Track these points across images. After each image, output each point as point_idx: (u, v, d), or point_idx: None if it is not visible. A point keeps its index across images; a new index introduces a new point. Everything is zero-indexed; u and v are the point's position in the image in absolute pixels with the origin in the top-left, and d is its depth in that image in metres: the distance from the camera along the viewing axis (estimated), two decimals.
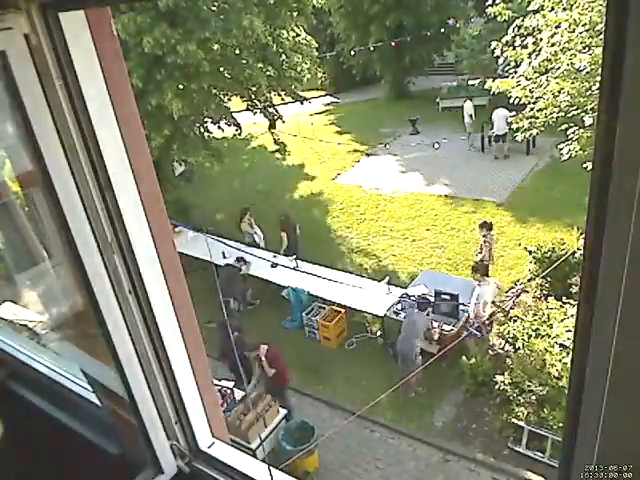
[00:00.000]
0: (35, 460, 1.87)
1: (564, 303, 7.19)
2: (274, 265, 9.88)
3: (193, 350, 1.63)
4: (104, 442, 1.86)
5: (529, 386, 6.24)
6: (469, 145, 15.54)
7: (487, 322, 7.87)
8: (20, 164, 1.70)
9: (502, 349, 7.82)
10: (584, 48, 7.10)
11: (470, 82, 17.99)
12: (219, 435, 1.74)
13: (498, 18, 8.57)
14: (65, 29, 1.17)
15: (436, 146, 15.86)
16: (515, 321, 7.38)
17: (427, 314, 7.70)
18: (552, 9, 7.40)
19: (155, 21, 9.10)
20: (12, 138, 1.56)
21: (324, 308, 9.11)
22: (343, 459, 6.93)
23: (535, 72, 7.85)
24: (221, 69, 10.91)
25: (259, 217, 11.19)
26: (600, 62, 0.64)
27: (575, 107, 7.70)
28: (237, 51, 10.59)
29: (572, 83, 7.48)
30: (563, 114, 7.88)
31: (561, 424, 5.72)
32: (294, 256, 9.97)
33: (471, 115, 15.24)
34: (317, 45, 12.85)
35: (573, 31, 7.11)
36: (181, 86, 9.96)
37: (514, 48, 8.07)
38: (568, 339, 6.40)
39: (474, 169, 14.35)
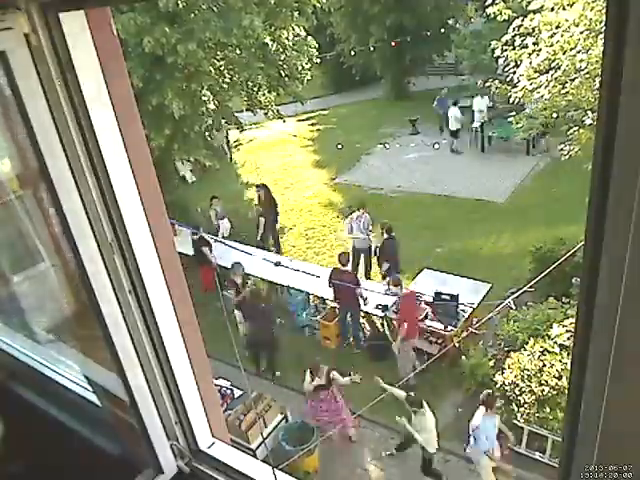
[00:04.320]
0: (35, 460, 1.86)
1: (564, 303, 7.19)
2: (277, 264, 9.88)
3: (193, 350, 1.63)
4: (104, 442, 1.86)
5: (529, 386, 6.24)
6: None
7: None
8: (20, 164, 1.70)
9: (502, 349, 7.81)
10: (584, 48, 7.10)
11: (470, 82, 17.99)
12: (219, 435, 1.74)
13: (498, 18, 8.57)
14: (65, 29, 1.17)
15: (436, 146, 15.86)
16: (515, 321, 7.38)
17: None
18: (552, 9, 7.40)
19: (155, 21, 9.10)
20: (12, 138, 1.56)
21: (324, 308, 9.11)
22: (343, 459, 6.93)
23: (535, 72, 7.85)
24: (221, 69, 10.91)
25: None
26: (600, 62, 0.65)
27: (575, 107, 7.70)
28: (237, 51, 10.60)
29: (572, 83, 7.48)
30: (563, 114, 7.88)
31: (561, 424, 5.71)
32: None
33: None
34: (317, 45, 12.84)
35: (573, 31, 7.11)
36: (182, 86, 9.96)
37: (514, 48, 8.07)
38: (568, 339, 6.40)
39: (474, 169, 14.35)
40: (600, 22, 6.67)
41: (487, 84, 9.46)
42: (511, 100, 8.60)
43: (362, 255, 10.08)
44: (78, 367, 1.99)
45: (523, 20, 7.79)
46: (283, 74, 11.96)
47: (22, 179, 1.79)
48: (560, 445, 1.04)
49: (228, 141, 16.27)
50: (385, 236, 9.25)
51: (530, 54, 7.82)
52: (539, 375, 6.25)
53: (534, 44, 7.70)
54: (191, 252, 10.05)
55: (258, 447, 6.41)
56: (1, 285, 2.42)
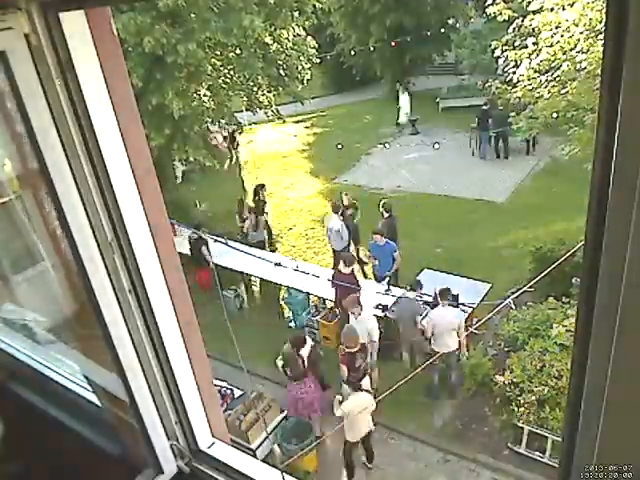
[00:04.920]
0: (35, 460, 1.86)
1: (564, 303, 7.18)
2: (277, 264, 9.86)
3: (193, 350, 1.63)
4: (104, 442, 1.86)
5: (529, 386, 6.24)
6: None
7: None
8: (20, 164, 1.71)
9: (502, 349, 7.81)
10: (584, 48, 7.10)
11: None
12: (219, 435, 1.74)
13: (498, 18, 8.57)
14: (65, 29, 1.17)
15: (436, 146, 15.87)
16: (515, 321, 7.37)
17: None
18: (552, 9, 7.40)
19: (155, 21, 9.10)
20: (12, 138, 1.56)
21: (324, 308, 9.11)
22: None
23: (535, 72, 7.85)
24: (221, 69, 10.92)
25: None
26: (600, 61, 0.64)
27: (575, 107, 7.69)
28: (237, 50, 10.61)
29: (572, 83, 7.48)
30: (563, 114, 7.88)
31: (561, 424, 5.71)
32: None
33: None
34: (317, 45, 12.85)
35: (573, 31, 7.11)
36: (182, 85, 9.95)
37: (514, 48, 8.07)
38: (568, 339, 6.39)
39: (474, 169, 14.36)
40: (600, 22, 6.67)
41: (487, 84, 9.46)
42: (511, 101, 8.61)
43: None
44: (78, 367, 1.98)
45: (523, 20, 7.79)
46: (283, 74, 11.97)
47: (22, 179, 1.79)
48: (560, 445, 1.04)
49: (226, 140, 16.27)
50: (385, 215, 9.60)
51: (530, 54, 7.82)
52: (539, 375, 6.24)
53: (534, 44, 7.70)
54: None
55: (258, 447, 6.40)
56: (1, 285, 2.42)
